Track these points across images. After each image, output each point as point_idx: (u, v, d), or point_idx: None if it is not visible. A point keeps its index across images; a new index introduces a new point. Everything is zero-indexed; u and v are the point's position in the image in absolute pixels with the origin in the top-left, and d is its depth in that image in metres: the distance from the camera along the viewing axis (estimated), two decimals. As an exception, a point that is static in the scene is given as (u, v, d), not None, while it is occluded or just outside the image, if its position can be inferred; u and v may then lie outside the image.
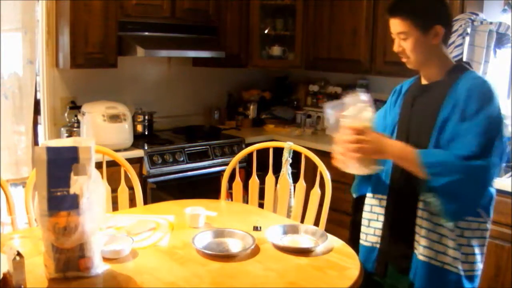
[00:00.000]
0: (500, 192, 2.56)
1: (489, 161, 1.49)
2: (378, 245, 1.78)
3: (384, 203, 1.76)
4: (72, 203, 1.43)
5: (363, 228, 1.85)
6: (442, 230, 1.60)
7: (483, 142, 1.49)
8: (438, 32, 1.61)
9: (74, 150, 1.45)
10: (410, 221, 1.66)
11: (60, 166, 1.44)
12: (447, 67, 1.66)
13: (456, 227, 1.59)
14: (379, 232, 1.77)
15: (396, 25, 1.62)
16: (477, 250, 1.63)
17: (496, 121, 1.53)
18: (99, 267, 1.51)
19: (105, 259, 1.60)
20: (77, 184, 1.44)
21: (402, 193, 1.71)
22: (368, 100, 1.64)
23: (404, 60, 1.69)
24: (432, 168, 1.52)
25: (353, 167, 1.63)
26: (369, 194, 1.84)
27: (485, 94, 1.55)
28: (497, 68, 3.02)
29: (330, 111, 1.65)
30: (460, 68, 1.66)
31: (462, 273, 1.60)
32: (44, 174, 1.44)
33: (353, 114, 1.62)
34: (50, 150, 1.45)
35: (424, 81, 1.73)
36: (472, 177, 1.50)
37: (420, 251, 1.63)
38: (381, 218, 1.77)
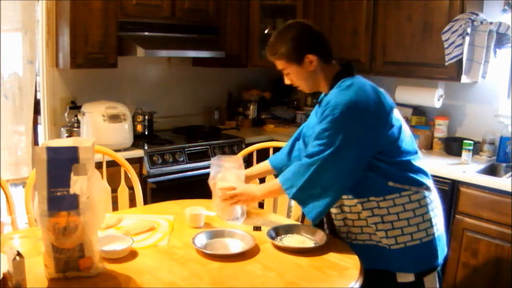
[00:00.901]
0: (500, 192, 2.56)
1: (328, 151, 1.69)
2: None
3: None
4: (72, 203, 1.43)
5: None
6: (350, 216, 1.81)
7: (324, 136, 1.71)
8: (311, 59, 1.80)
9: (74, 150, 1.45)
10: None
11: (60, 166, 1.44)
12: (331, 80, 1.83)
13: (363, 209, 1.76)
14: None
15: (276, 64, 1.87)
16: (403, 223, 1.74)
17: (341, 120, 1.69)
18: (99, 267, 1.51)
19: (105, 259, 1.59)
20: (77, 184, 1.43)
21: None
22: (237, 163, 2.05)
23: (298, 88, 1.93)
24: (285, 183, 1.80)
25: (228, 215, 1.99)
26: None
27: (337, 98, 1.72)
28: (497, 68, 3.03)
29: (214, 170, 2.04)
30: (337, 78, 1.82)
31: (386, 246, 1.75)
32: (44, 174, 1.43)
33: (226, 177, 2.02)
34: (50, 150, 1.44)
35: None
36: (312, 172, 1.72)
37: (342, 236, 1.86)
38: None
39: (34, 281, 1.43)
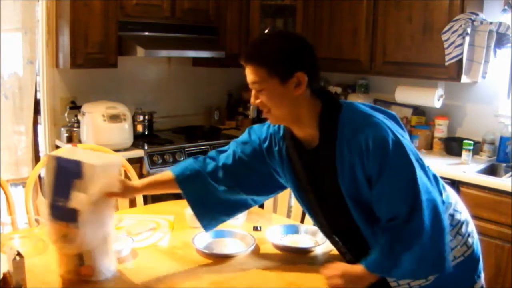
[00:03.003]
0: (500, 192, 2.56)
1: (415, 215, 1.34)
2: None
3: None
4: (71, 216, 1.40)
5: None
6: None
7: (401, 198, 1.36)
8: (301, 80, 1.39)
9: (78, 165, 1.41)
10: None
11: (65, 178, 1.42)
12: (317, 118, 1.45)
13: None
14: None
15: (249, 73, 1.41)
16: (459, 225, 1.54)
17: (404, 164, 1.37)
18: (103, 274, 1.48)
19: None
20: (78, 198, 1.40)
21: None
22: None
23: (265, 114, 1.47)
24: (384, 272, 1.42)
25: None
26: None
27: (377, 145, 1.36)
28: (497, 68, 3.02)
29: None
30: (330, 115, 1.44)
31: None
32: (50, 181, 1.44)
33: None
34: (59, 160, 1.44)
35: (303, 140, 1.51)
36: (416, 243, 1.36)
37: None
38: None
39: (34, 281, 1.43)
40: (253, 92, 1.45)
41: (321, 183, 1.52)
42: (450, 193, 1.60)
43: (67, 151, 1.58)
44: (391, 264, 1.38)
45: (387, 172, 1.35)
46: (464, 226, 1.57)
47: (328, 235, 1.62)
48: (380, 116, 1.44)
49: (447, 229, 1.41)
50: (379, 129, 1.37)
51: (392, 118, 1.51)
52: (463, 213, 1.60)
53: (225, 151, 1.70)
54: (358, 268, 1.43)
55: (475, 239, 1.60)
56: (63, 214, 1.41)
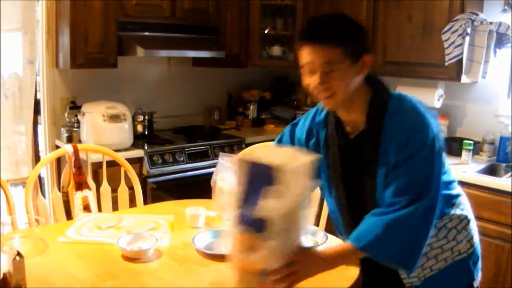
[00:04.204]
0: (500, 192, 2.56)
1: (418, 200, 1.36)
2: None
3: None
4: (259, 226, 1.24)
5: None
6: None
7: (409, 188, 1.38)
8: (366, 62, 1.41)
9: (269, 169, 1.23)
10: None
11: (254, 184, 1.27)
12: (366, 105, 1.46)
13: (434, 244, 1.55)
14: None
15: (320, 53, 1.37)
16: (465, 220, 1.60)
17: (427, 164, 1.39)
18: None
19: (128, 258, 1.61)
20: (267, 207, 1.23)
21: None
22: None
23: (322, 97, 1.43)
24: (367, 248, 1.37)
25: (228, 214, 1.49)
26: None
27: (416, 137, 1.39)
28: (497, 68, 3.03)
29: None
30: (380, 102, 1.45)
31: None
32: (241, 187, 1.30)
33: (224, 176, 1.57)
34: (251, 164, 1.28)
35: (348, 128, 1.53)
36: (402, 225, 1.36)
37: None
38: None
39: (34, 281, 1.43)
40: (319, 74, 1.38)
41: (355, 175, 1.52)
42: (461, 191, 1.66)
43: (259, 150, 1.39)
44: (370, 239, 1.37)
45: (409, 165, 1.38)
46: (470, 224, 1.62)
47: (345, 231, 1.63)
48: (427, 114, 1.44)
49: (429, 236, 1.42)
50: (422, 126, 1.39)
51: (434, 117, 1.51)
52: (470, 213, 1.65)
53: None
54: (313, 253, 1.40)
55: (477, 239, 1.66)
56: (251, 224, 1.26)
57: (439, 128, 1.45)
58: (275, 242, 1.24)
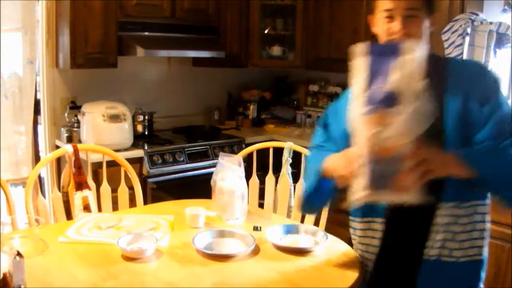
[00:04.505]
0: (500, 192, 2.56)
1: None
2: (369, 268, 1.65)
3: (377, 226, 1.61)
4: (389, 101, 1.25)
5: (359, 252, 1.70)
6: (455, 227, 1.51)
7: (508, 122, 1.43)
8: (434, 21, 1.50)
9: (396, 45, 1.32)
10: (422, 232, 1.53)
11: (380, 62, 1.31)
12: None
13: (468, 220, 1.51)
14: (372, 256, 1.64)
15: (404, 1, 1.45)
16: (481, 234, 1.55)
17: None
18: (417, 193, 1.28)
19: (128, 258, 1.61)
20: (396, 80, 1.26)
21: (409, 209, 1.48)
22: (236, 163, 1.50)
23: (405, 37, 1.47)
24: (478, 164, 1.37)
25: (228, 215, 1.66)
26: (367, 219, 1.65)
27: (488, 71, 1.51)
28: (497, 68, 3.02)
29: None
30: (436, 55, 1.54)
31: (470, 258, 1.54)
32: (364, 69, 1.32)
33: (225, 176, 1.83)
34: (372, 45, 1.36)
35: None
36: None
37: (434, 252, 1.53)
38: (375, 242, 1.62)
39: (34, 281, 1.43)
40: (400, 19, 1.45)
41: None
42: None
43: None
44: (482, 158, 1.39)
45: (498, 97, 1.45)
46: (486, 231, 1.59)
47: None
48: None
49: None
50: (485, 67, 1.48)
51: None
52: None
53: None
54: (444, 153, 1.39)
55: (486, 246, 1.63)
56: (382, 101, 1.26)
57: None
58: (408, 113, 1.24)
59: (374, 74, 1.31)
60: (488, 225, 1.57)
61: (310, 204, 1.72)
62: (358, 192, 1.32)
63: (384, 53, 1.32)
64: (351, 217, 1.72)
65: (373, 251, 1.64)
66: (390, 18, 1.47)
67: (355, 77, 1.35)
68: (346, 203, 1.40)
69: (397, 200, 1.31)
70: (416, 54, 1.29)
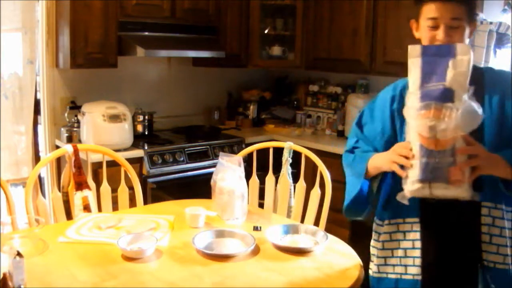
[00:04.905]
0: (500, 192, 2.56)
1: None
2: (419, 277, 1.57)
3: (417, 227, 1.57)
4: (445, 96, 1.33)
5: (399, 260, 1.62)
6: (506, 232, 1.49)
7: None
8: (473, 29, 1.53)
9: (450, 47, 1.42)
10: (471, 235, 1.50)
11: (435, 62, 1.40)
12: None
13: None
14: (418, 262, 1.57)
15: (448, 9, 1.47)
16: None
17: None
18: (469, 187, 1.33)
19: (128, 258, 1.61)
20: (452, 78, 1.36)
21: (448, 209, 1.51)
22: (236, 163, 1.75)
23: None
24: None
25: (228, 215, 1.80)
26: (396, 220, 1.63)
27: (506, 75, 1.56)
28: (497, 68, 3.02)
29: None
30: (473, 66, 1.53)
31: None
32: (418, 70, 1.42)
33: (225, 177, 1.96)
34: (425, 47, 1.45)
35: None
36: None
37: (491, 258, 1.50)
38: (418, 244, 1.57)
39: (34, 281, 1.43)
40: (443, 28, 1.48)
41: None
42: None
43: None
44: None
45: None
46: None
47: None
48: None
49: None
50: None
51: None
52: None
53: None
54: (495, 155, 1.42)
55: None
56: (437, 96, 1.34)
57: None
58: (462, 108, 1.31)
59: (428, 73, 1.39)
60: None
61: (355, 208, 1.71)
62: (412, 185, 1.36)
63: (437, 54, 1.41)
64: (376, 221, 1.69)
65: (401, 255, 1.60)
66: (435, 26, 1.50)
67: (409, 76, 1.44)
68: (399, 196, 1.42)
69: (449, 194, 1.35)
70: (469, 56, 1.39)
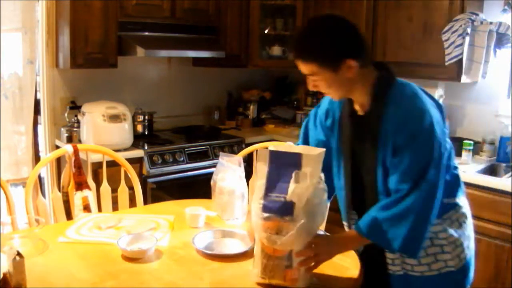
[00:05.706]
0: (500, 192, 2.56)
1: (415, 189, 1.44)
2: None
3: None
4: (286, 210, 1.37)
5: None
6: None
7: (410, 174, 1.45)
8: (351, 65, 1.46)
9: (297, 157, 1.41)
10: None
11: (279, 171, 1.42)
12: (372, 88, 1.54)
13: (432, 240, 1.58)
14: None
15: (302, 67, 1.51)
16: (442, 249, 1.61)
17: (427, 148, 1.45)
18: (305, 280, 1.44)
19: (128, 259, 1.61)
20: (294, 191, 1.38)
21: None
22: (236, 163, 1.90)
23: (326, 95, 1.65)
24: (374, 237, 1.49)
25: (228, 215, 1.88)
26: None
27: (413, 121, 1.46)
28: (497, 68, 3.02)
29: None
30: (383, 85, 1.53)
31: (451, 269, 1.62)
32: (263, 176, 1.44)
33: (225, 177, 1.99)
34: (273, 154, 1.44)
35: (357, 107, 1.62)
36: (404, 217, 1.44)
37: (397, 269, 1.64)
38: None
39: (34, 281, 1.43)
40: (310, 80, 1.55)
41: (361, 150, 1.61)
42: (466, 204, 1.71)
43: (279, 146, 1.54)
44: (374, 226, 1.47)
45: (409, 150, 1.45)
46: (472, 242, 1.69)
47: (348, 210, 1.72)
48: (427, 102, 1.50)
49: (432, 222, 1.50)
50: (420, 112, 1.46)
51: (438, 107, 1.55)
52: (472, 230, 1.71)
53: None
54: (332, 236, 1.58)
55: (472, 256, 1.71)
56: (277, 209, 1.38)
57: (439, 116, 1.50)
58: (303, 222, 1.36)
59: (273, 183, 1.42)
60: (456, 236, 1.62)
61: None
62: (254, 276, 1.47)
63: (283, 163, 1.43)
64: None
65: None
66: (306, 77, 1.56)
67: (258, 179, 1.47)
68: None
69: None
70: (312, 168, 1.40)
